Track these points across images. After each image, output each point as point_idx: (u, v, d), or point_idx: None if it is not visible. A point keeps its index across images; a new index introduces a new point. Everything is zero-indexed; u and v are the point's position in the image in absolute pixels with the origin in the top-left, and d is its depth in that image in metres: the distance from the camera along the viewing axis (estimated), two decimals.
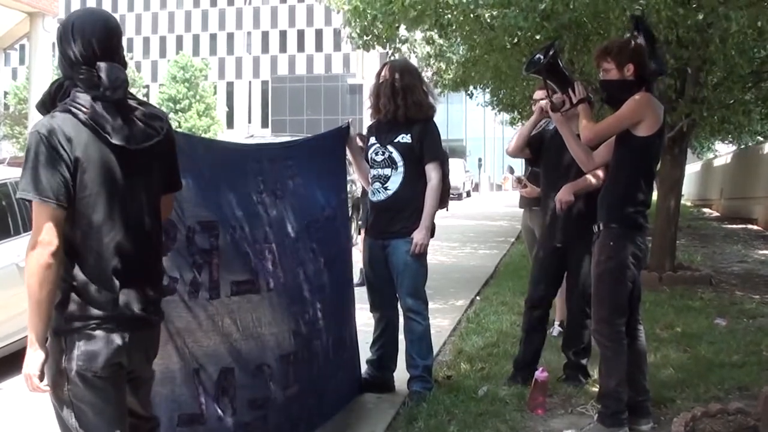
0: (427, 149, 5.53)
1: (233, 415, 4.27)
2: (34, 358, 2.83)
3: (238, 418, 4.29)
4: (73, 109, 2.83)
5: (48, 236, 2.75)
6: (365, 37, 13.40)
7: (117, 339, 2.88)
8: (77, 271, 2.85)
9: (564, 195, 5.61)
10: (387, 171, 5.56)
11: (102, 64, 2.90)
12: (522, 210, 8.01)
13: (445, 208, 5.87)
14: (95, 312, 2.85)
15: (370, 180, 5.67)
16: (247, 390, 4.36)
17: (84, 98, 2.86)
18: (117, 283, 2.89)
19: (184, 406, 4.01)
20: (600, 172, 5.39)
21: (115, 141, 2.86)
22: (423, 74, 6.07)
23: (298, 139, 5.79)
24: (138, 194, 2.99)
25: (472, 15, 10.88)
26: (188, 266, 4.05)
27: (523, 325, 6.18)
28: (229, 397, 4.25)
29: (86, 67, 2.89)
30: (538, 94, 6.75)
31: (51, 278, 2.78)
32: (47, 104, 2.93)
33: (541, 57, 5.15)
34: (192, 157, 4.05)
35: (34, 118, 17.73)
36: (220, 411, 4.19)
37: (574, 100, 5.06)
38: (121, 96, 2.92)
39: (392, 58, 14.74)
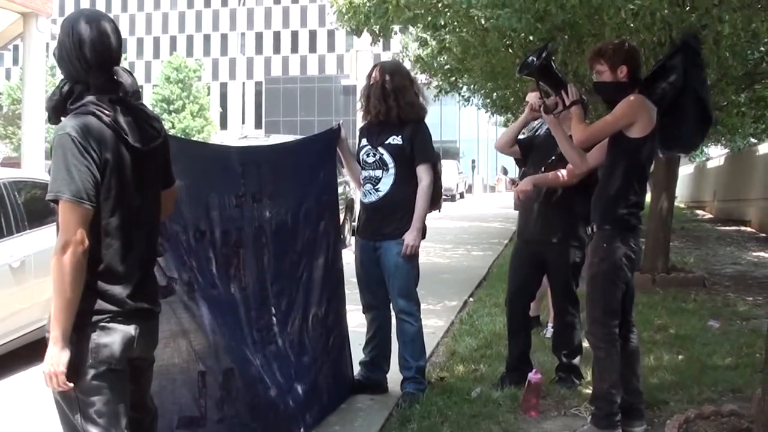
0: (418, 151, 5.52)
1: (234, 417, 4.27)
2: (61, 356, 2.82)
3: (238, 419, 4.30)
4: (97, 112, 2.89)
5: (80, 236, 2.80)
6: (357, 27, 13.43)
7: (130, 331, 2.96)
8: (92, 268, 2.88)
9: (523, 185, 5.68)
10: (378, 172, 5.55)
11: (119, 69, 3.01)
12: (517, 212, 8.00)
13: (437, 209, 5.87)
14: (108, 306, 2.91)
15: (361, 181, 5.67)
16: (243, 391, 4.37)
17: (104, 101, 2.92)
18: (129, 278, 2.97)
19: (184, 408, 4.01)
20: (564, 171, 5.48)
21: (132, 142, 2.95)
22: (414, 76, 6.05)
23: (289, 141, 5.77)
24: (145, 194, 3.08)
25: (465, 17, 10.88)
26: (183, 266, 4.07)
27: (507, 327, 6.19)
28: (232, 398, 4.26)
29: (104, 71, 2.97)
30: (531, 96, 6.77)
31: (82, 277, 2.81)
32: (58, 109, 2.97)
33: (534, 59, 5.14)
34: (184, 161, 4.10)
35: (28, 118, 17.71)
36: (220, 413, 4.18)
37: (567, 102, 5.05)
38: (139, 99, 3.05)
39: (383, 56, 14.75)
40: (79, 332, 2.86)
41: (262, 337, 4.80)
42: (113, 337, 2.90)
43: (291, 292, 5.08)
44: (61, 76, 3.01)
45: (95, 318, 2.88)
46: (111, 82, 2.96)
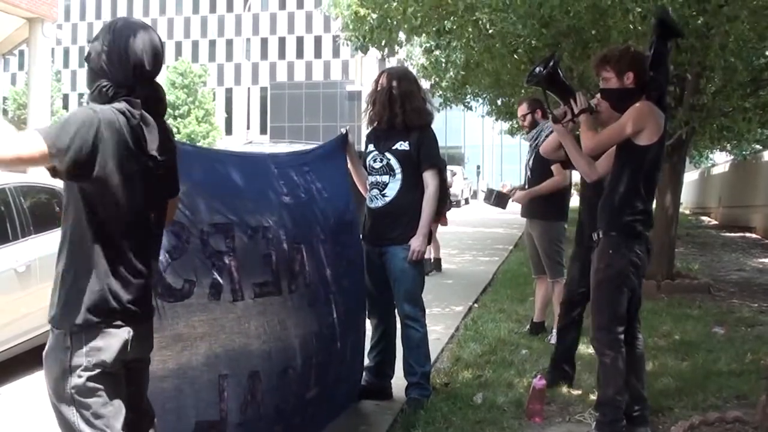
0: (424, 156, 5.53)
1: (259, 420, 4.28)
2: None
3: (264, 422, 4.31)
4: (128, 112, 2.89)
5: (27, 153, 2.66)
6: (364, 41, 13.43)
7: (124, 334, 2.92)
8: (94, 270, 2.87)
9: None
10: (385, 178, 5.56)
11: (158, 83, 3.07)
12: (525, 219, 7.99)
13: (444, 214, 5.88)
14: (105, 308, 2.88)
15: (368, 187, 5.67)
16: (274, 393, 4.37)
17: (137, 105, 2.92)
18: (130, 282, 2.96)
19: (203, 413, 3.97)
20: None
21: (150, 151, 2.96)
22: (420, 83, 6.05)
23: (308, 148, 5.76)
24: (154, 200, 3.08)
25: (470, 20, 10.89)
26: (206, 269, 4.03)
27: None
28: (257, 401, 4.26)
29: (152, 82, 3.02)
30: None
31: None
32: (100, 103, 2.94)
33: (541, 69, 5.13)
34: (203, 162, 4.16)
35: (33, 123, 17.70)
36: (242, 416, 4.17)
37: (576, 111, 5.03)
38: (163, 113, 3.09)
39: (389, 62, 14.75)
40: (73, 335, 2.85)
41: (321, 335, 4.88)
42: (108, 340, 2.88)
43: (327, 293, 5.12)
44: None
45: (90, 321, 2.85)
46: (153, 91, 3.01)
